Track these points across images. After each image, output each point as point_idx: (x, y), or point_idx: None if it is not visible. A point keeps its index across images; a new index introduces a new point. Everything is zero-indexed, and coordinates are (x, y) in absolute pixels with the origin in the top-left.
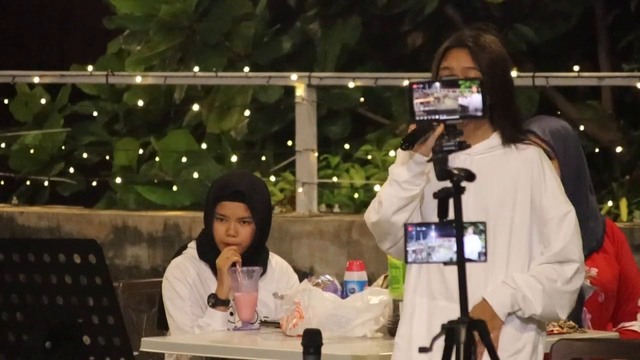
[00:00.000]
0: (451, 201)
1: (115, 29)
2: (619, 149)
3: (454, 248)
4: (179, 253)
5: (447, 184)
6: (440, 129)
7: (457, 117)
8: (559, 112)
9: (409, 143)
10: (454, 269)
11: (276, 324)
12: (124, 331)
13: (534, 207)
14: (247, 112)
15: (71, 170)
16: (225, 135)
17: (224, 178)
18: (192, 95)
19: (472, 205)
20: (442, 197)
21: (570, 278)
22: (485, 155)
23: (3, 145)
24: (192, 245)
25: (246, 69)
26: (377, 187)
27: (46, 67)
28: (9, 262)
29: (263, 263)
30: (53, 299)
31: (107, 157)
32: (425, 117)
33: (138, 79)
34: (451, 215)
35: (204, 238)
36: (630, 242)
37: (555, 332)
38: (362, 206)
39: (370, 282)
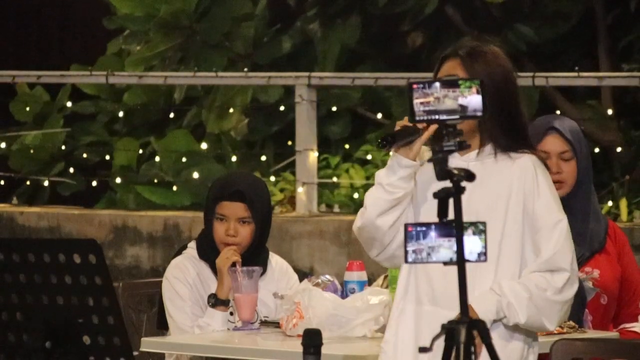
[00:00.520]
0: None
1: (115, 29)
2: (619, 149)
3: (454, 248)
4: (178, 253)
5: (447, 183)
6: (427, 133)
7: (457, 117)
8: (559, 112)
9: (387, 143)
10: (441, 273)
11: (276, 324)
12: (124, 331)
13: (526, 216)
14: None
15: (71, 170)
16: (225, 135)
17: (224, 178)
18: (192, 95)
19: (464, 210)
20: (442, 197)
21: (560, 288)
22: (477, 162)
23: (3, 145)
24: (192, 245)
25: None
26: None
27: (46, 67)
28: (9, 262)
29: (263, 263)
30: (53, 299)
31: (107, 157)
32: (425, 117)
33: (138, 79)
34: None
35: (204, 238)
36: (631, 242)
37: (555, 332)
38: (362, 206)
39: (370, 282)
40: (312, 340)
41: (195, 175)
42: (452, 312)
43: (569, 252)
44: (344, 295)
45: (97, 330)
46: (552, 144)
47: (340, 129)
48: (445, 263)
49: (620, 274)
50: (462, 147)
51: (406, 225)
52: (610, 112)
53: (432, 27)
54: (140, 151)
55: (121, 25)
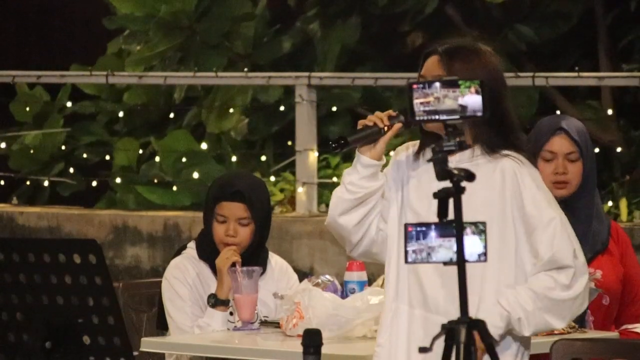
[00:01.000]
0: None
1: (115, 29)
2: (619, 149)
3: (454, 248)
4: (178, 253)
5: (447, 183)
6: (391, 132)
7: (457, 117)
8: (559, 112)
9: (338, 145)
10: (431, 278)
11: (276, 324)
12: (124, 331)
13: (517, 218)
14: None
15: (71, 170)
16: (225, 135)
17: (224, 178)
18: (192, 95)
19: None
20: (442, 197)
21: (568, 285)
22: (467, 165)
23: (3, 145)
24: (192, 245)
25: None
26: None
27: (46, 67)
28: (9, 262)
29: (263, 263)
30: (53, 299)
31: (107, 157)
32: (425, 117)
33: (138, 79)
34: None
35: (204, 238)
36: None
37: (556, 332)
38: None
39: (370, 282)
40: (312, 340)
41: (195, 175)
42: (444, 317)
43: (569, 247)
44: (344, 295)
45: (97, 330)
46: (560, 144)
47: (340, 129)
48: (445, 263)
49: (623, 274)
50: (463, 147)
51: (406, 225)
52: (610, 112)
53: (432, 27)
54: (140, 151)
55: (121, 25)
